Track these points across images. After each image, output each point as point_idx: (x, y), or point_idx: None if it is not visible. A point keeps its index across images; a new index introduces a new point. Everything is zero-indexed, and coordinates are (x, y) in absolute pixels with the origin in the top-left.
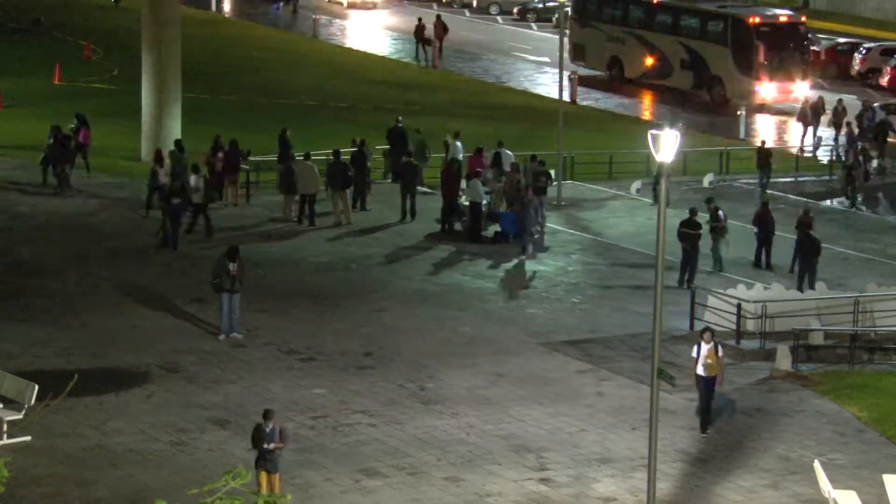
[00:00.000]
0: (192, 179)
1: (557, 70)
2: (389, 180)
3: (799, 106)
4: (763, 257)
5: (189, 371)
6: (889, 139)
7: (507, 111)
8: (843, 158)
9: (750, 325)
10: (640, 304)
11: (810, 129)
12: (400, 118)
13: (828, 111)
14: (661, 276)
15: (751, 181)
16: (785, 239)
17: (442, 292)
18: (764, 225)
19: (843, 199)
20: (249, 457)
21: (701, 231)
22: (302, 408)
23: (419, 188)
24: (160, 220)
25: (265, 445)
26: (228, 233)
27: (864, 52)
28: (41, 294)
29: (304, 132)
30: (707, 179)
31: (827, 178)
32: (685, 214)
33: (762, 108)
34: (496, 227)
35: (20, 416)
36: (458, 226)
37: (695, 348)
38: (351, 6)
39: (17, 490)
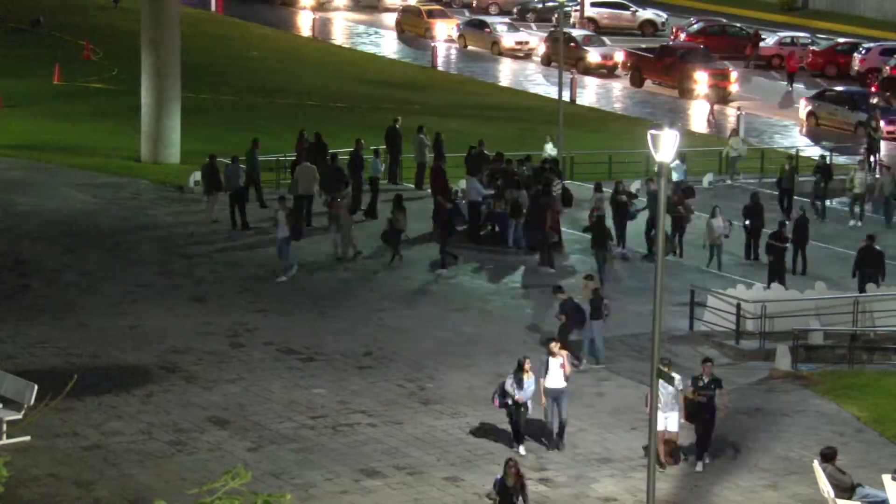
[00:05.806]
0: None
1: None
2: (387, 181)
3: None
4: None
5: (189, 371)
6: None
7: (506, 111)
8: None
9: (749, 325)
10: (639, 303)
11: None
12: (398, 119)
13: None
14: (660, 275)
15: (750, 181)
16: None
17: (442, 292)
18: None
19: (842, 198)
20: (249, 457)
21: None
22: (302, 408)
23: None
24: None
25: None
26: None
27: (863, 52)
28: (41, 294)
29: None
30: (707, 179)
31: None
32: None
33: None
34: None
35: (20, 416)
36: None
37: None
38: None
39: (17, 490)
